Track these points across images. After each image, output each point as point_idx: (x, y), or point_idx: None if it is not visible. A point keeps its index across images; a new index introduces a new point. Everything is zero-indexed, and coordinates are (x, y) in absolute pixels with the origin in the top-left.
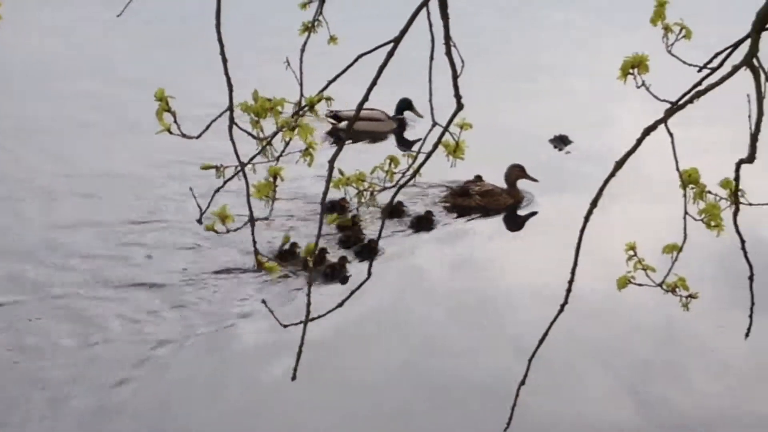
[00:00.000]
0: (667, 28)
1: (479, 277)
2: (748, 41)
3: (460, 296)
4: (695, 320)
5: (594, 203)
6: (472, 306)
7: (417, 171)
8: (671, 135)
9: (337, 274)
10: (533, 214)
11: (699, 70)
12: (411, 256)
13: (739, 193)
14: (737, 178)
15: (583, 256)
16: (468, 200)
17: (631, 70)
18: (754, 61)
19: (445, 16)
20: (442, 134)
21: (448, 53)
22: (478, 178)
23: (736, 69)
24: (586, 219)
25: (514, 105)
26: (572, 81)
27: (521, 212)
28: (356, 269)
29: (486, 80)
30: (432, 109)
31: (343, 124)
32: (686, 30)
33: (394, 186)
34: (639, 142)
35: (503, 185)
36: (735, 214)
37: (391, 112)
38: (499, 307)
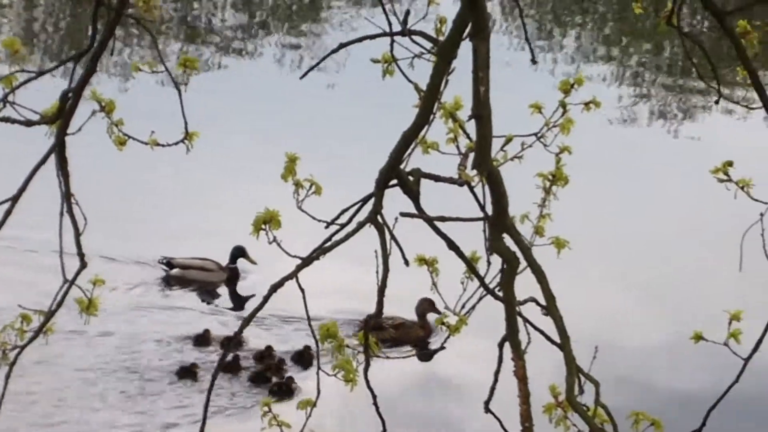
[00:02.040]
0: (298, 184)
1: None
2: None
3: None
4: None
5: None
6: None
7: None
8: (302, 290)
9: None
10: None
11: (327, 227)
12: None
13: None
14: (366, 337)
15: None
16: (382, 333)
17: (263, 226)
18: (378, 218)
19: (65, 173)
20: None
21: (69, 211)
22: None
23: (360, 226)
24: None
25: None
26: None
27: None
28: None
29: None
30: None
31: (175, 271)
32: (316, 186)
33: None
34: (266, 299)
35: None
36: (366, 369)
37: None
38: None
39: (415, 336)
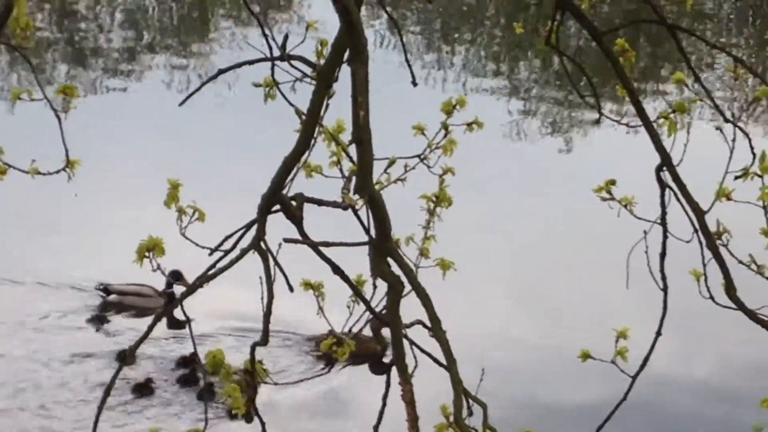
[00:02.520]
0: (180, 211)
1: None
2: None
3: None
4: None
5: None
6: None
7: None
8: (189, 320)
9: None
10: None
11: (210, 254)
12: None
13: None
14: (252, 360)
15: None
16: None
17: (147, 254)
18: (262, 244)
19: None
20: None
21: None
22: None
23: (244, 253)
24: None
25: None
26: None
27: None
28: None
29: None
30: None
31: (112, 297)
32: (199, 212)
33: None
34: (146, 334)
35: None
36: (253, 397)
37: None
38: None
39: (372, 350)
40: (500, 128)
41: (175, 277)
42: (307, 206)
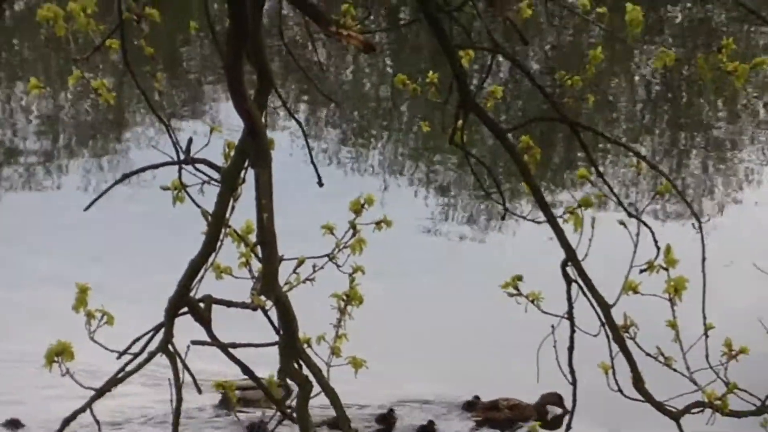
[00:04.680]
0: (89, 315)
1: None
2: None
3: None
4: None
5: None
6: None
7: None
8: (98, 422)
9: None
10: None
11: (118, 357)
12: None
13: None
14: None
15: None
16: (496, 413)
17: (56, 358)
18: (169, 346)
19: None
20: None
21: None
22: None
23: (152, 355)
24: None
25: None
26: None
27: None
28: None
29: None
30: None
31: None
32: (108, 316)
33: None
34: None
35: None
36: None
37: None
38: None
39: (529, 415)
40: (416, 222)
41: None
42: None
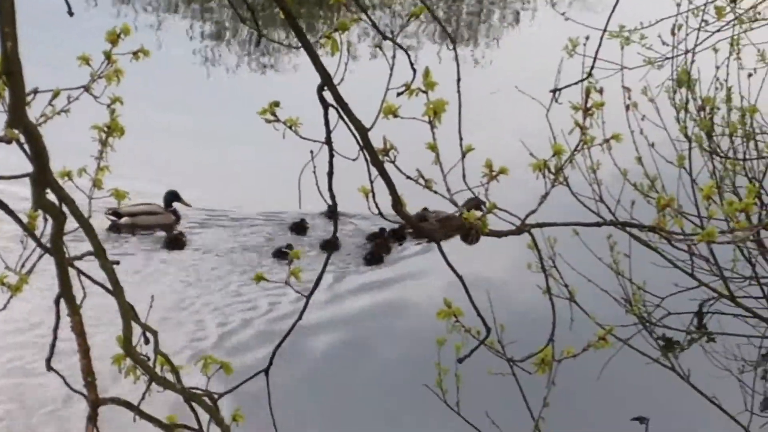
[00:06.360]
0: None
1: None
2: None
3: None
4: None
5: None
6: None
7: None
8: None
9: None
10: None
11: None
12: None
13: None
14: None
15: None
16: (428, 224)
17: None
18: None
19: None
20: None
21: None
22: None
23: None
24: None
25: None
26: None
27: None
28: None
29: None
30: None
31: (125, 219)
32: None
33: None
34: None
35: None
36: None
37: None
38: None
39: (458, 224)
40: (189, 55)
41: (173, 196)
42: None
